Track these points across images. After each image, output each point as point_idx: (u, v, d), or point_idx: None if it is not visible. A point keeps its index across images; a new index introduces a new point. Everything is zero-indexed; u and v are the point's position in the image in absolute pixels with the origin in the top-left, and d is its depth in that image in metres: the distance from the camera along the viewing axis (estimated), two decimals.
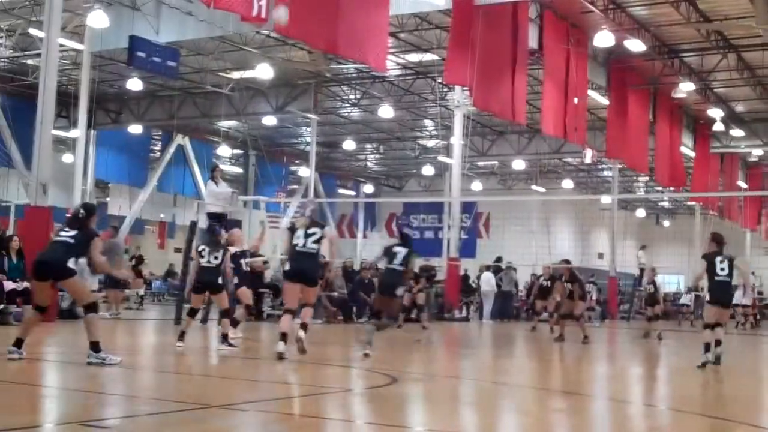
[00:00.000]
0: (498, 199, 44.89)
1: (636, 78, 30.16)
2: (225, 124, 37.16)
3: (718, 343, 12.62)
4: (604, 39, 24.90)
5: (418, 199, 48.23)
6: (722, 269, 12.59)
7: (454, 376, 11.43)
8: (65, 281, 9.56)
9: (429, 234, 44.57)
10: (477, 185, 44.61)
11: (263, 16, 17.63)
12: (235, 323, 13.80)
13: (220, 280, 12.28)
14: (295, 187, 42.63)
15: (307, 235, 11.28)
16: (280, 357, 10.72)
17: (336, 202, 44.12)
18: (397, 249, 12.71)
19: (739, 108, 35.71)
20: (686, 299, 37.49)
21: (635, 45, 25.58)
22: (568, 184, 46.06)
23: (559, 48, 24.88)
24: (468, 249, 33.90)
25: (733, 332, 21.04)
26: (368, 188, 50.32)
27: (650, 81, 30.93)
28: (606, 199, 39.60)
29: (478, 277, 30.02)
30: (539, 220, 41.10)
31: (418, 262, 25.95)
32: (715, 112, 33.22)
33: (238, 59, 29.89)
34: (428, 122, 39.03)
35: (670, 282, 53.71)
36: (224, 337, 12.34)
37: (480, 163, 43.49)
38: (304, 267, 11.31)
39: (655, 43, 27.31)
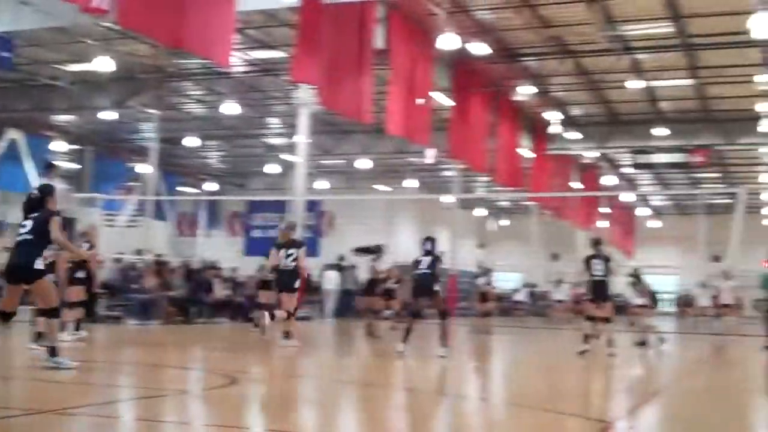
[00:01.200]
0: (342, 198, 45.08)
1: (479, 80, 30.82)
2: (62, 118, 35.82)
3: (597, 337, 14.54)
4: (448, 41, 25.32)
5: (263, 197, 47.85)
6: (598, 269, 14.30)
7: (294, 375, 11.35)
8: (34, 285, 9.51)
9: (273, 233, 44.25)
10: (322, 184, 44.65)
11: (104, 6, 17.05)
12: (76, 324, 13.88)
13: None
14: (134, 184, 41.51)
15: (287, 255, 14.02)
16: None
17: (177, 200, 43.25)
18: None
19: (575, 111, 37.02)
20: (522, 296, 38.61)
21: (479, 48, 26.13)
22: (411, 183, 46.69)
23: (404, 49, 25.12)
24: (312, 248, 33.87)
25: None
26: (211, 186, 49.57)
27: (492, 84, 31.67)
28: (448, 199, 40.32)
29: (321, 276, 30.05)
30: (383, 219, 41.51)
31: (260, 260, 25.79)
32: (553, 115, 34.37)
33: (77, 51, 28.84)
34: (274, 120, 38.80)
35: (508, 279, 55.31)
36: (38, 336, 11.63)
37: (325, 162, 43.54)
38: (284, 279, 14.16)
39: (497, 46, 27.97)
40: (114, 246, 24.67)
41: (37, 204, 9.73)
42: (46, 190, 9.95)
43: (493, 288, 22.18)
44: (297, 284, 14.25)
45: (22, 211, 9.85)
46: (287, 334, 14.22)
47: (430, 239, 13.37)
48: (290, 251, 14.05)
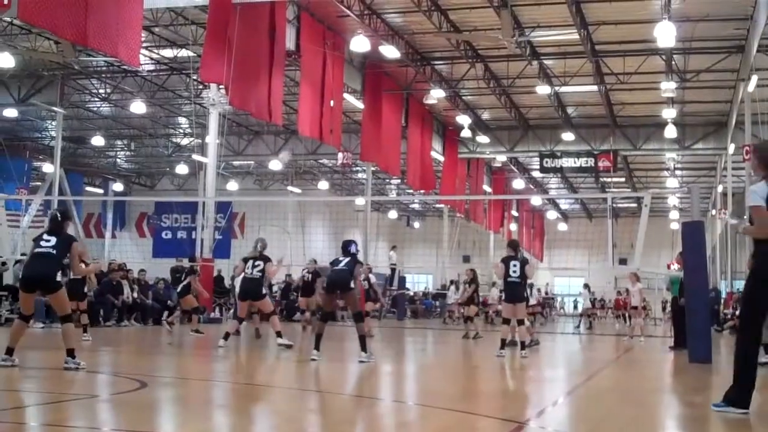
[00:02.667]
0: (253, 200, 44.73)
1: (390, 83, 30.95)
2: None
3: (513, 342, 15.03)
4: (359, 44, 25.35)
5: (171, 198, 47.17)
6: (514, 272, 14.38)
7: (205, 378, 11.18)
8: (54, 294, 10.50)
9: (182, 234, 43.68)
10: (233, 185, 44.24)
11: (6, 2, 16.54)
12: None
13: None
14: (38, 184, 40.46)
15: (254, 266, 15.22)
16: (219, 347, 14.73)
17: (83, 201, 42.23)
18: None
19: (485, 116, 37.47)
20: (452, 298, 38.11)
21: (389, 51, 26.22)
22: (323, 185, 46.61)
23: (315, 50, 25.07)
24: (222, 249, 33.50)
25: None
26: (118, 186, 48.65)
27: (403, 87, 31.85)
28: (360, 201, 40.36)
29: (233, 278, 29.69)
30: (295, 221, 41.33)
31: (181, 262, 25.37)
32: (463, 119, 34.70)
33: None
34: (183, 120, 38.32)
35: (419, 282, 55.69)
36: None
37: (236, 163, 43.18)
38: (251, 287, 15.36)
39: (408, 50, 28.12)
40: (18, 247, 23.95)
41: (59, 226, 10.79)
42: (68, 216, 11.30)
43: (373, 287, 21.77)
44: (263, 291, 15.67)
45: (46, 230, 10.92)
46: (279, 334, 15.27)
47: (353, 242, 13.32)
48: (257, 262, 15.28)
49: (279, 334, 15.22)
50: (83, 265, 12.91)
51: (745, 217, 10.41)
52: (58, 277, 10.55)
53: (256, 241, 15.82)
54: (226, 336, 15.12)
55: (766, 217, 7.64)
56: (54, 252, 10.50)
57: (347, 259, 12.85)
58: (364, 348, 12.59)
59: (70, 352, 10.37)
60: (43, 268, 10.47)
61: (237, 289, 18.68)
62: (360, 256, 13.87)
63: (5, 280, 22.11)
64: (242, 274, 15.72)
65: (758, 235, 7.78)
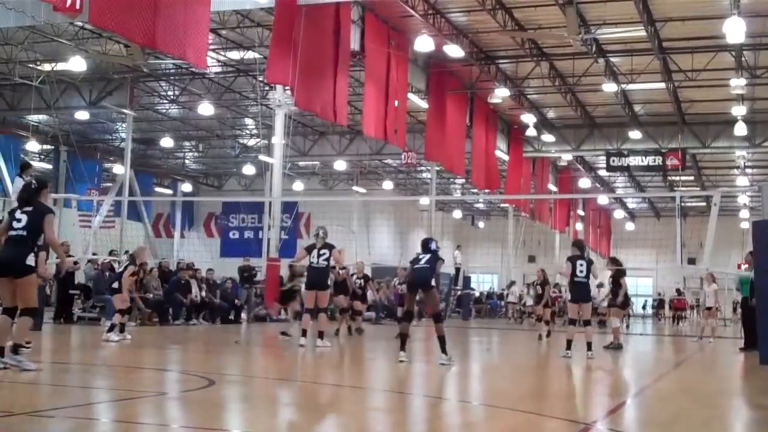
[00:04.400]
0: (319, 200, 45.01)
1: (454, 83, 30.89)
2: (34, 118, 35.60)
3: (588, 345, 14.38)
4: (423, 43, 25.35)
5: (238, 198, 47.73)
6: (581, 271, 14.33)
7: (272, 377, 11.30)
8: (21, 279, 9.38)
9: (249, 234, 44.23)
10: (298, 185, 44.56)
11: (77, 6, 16.92)
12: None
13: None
14: (109, 184, 41.29)
15: (319, 255, 14.62)
16: (301, 346, 14.43)
17: (152, 201, 42.96)
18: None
19: (551, 114, 37.18)
20: (513, 297, 37.73)
21: (454, 50, 26.17)
22: (388, 185, 46.68)
23: (380, 50, 25.14)
24: (288, 249, 33.78)
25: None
26: (186, 187, 49.35)
27: (468, 86, 31.77)
28: (424, 201, 40.34)
29: (291, 276, 29.90)
30: (360, 221, 41.46)
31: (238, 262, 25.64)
32: (528, 118, 34.48)
33: (49, 50, 28.70)
34: (249, 121, 38.71)
35: (484, 281, 55.52)
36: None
37: (301, 163, 43.47)
38: (317, 278, 14.78)
39: (472, 49, 28.04)
40: (90, 247, 24.45)
41: (32, 196, 9.74)
42: (43, 183, 10.23)
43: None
44: (329, 282, 15.35)
45: (17, 202, 9.87)
46: (321, 334, 14.90)
47: (433, 239, 13.16)
48: (323, 251, 14.72)
49: (321, 335, 14.83)
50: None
51: None
52: (30, 261, 9.44)
53: (317, 230, 15.20)
54: (304, 333, 14.98)
55: None
56: (25, 234, 9.48)
57: (428, 256, 12.55)
58: (444, 350, 12.22)
59: (15, 348, 9.50)
60: (13, 253, 9.44)
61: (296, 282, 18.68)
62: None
63: (76, 279, 22.55)
64: (303, 264, 15.49)
65: None
